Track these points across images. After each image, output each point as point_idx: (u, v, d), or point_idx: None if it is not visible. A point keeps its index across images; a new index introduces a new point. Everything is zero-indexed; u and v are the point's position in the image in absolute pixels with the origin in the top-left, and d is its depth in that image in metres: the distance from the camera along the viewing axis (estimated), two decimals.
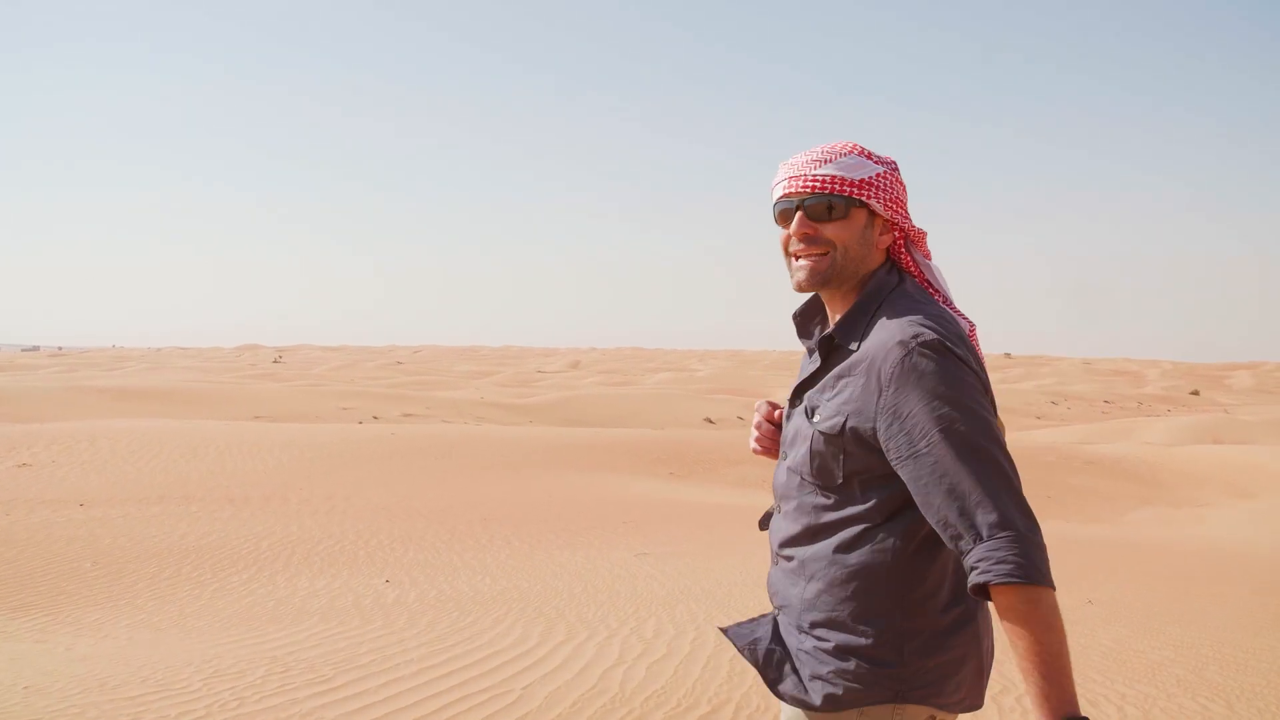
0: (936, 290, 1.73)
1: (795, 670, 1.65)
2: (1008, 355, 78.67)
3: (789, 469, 1.72)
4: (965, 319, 1.70)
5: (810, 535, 1.66)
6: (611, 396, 31.44)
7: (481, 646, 4.64)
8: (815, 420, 1.65)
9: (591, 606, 5.54)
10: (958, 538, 1.46)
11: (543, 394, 33.42)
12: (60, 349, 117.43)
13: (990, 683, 1.64)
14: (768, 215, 1.78)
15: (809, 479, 1.66)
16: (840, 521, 1.62)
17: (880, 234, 1.71)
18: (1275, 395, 48.81)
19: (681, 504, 10.50)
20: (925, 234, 1.76)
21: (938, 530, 1.50)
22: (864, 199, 1.67)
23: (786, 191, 1.71)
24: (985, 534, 1.44)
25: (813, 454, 1.64)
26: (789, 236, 1.71)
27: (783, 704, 1.69)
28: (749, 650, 1.71)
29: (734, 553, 7.44)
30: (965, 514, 1.45)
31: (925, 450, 1.49)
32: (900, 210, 1.71)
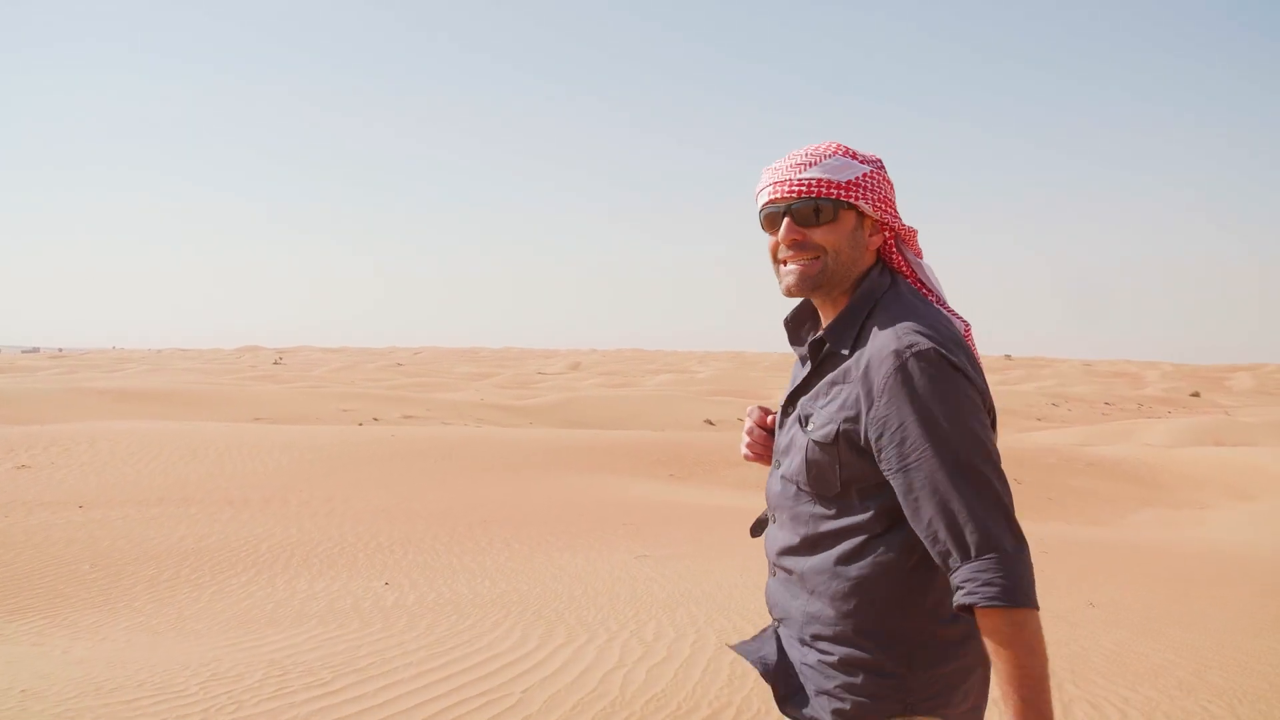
0: (929, 290, 1.70)
1: (801, 687, 1.61)
2: (1008, 357, 78.66)
3: (783, 478, 1.69)
4: (960, 319, 1.67)
5: (809, 546, 1.62)
6: (612, 398, 31.41)
7: (481, 650, 4.62)
8: (809, 429, 1.62)
9: (591, 609, 5.52)
10: (945, 555, 1.46)
11: (543, 395, 33.39)
12: (61, 350, 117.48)
13: (990, 686, 1.62)
14: None
15: (805, 489, 1.63)
16: (840, 532, 1.59)
17: (870, 234, 1.67)
18: (1276, 397, 48.77)
19: (682, 506, 10.47)
20: (916, 231, 1.73)
21: (926, 544, 1.49)
22: (852, 201, 1.63)
23: (772, 197, 1.67)
24: (972, 553, 1.43)
25: (808, 463, 1.61)
26: (777, 243, 1.68)
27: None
28: (760, 664, 1.68)
29: (734, 555, 7.42)
30: (953, 532, 1.44)
31: (915, 464, 1.47)
32: (890, 209, 1.67)
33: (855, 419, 1.54)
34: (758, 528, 1.84)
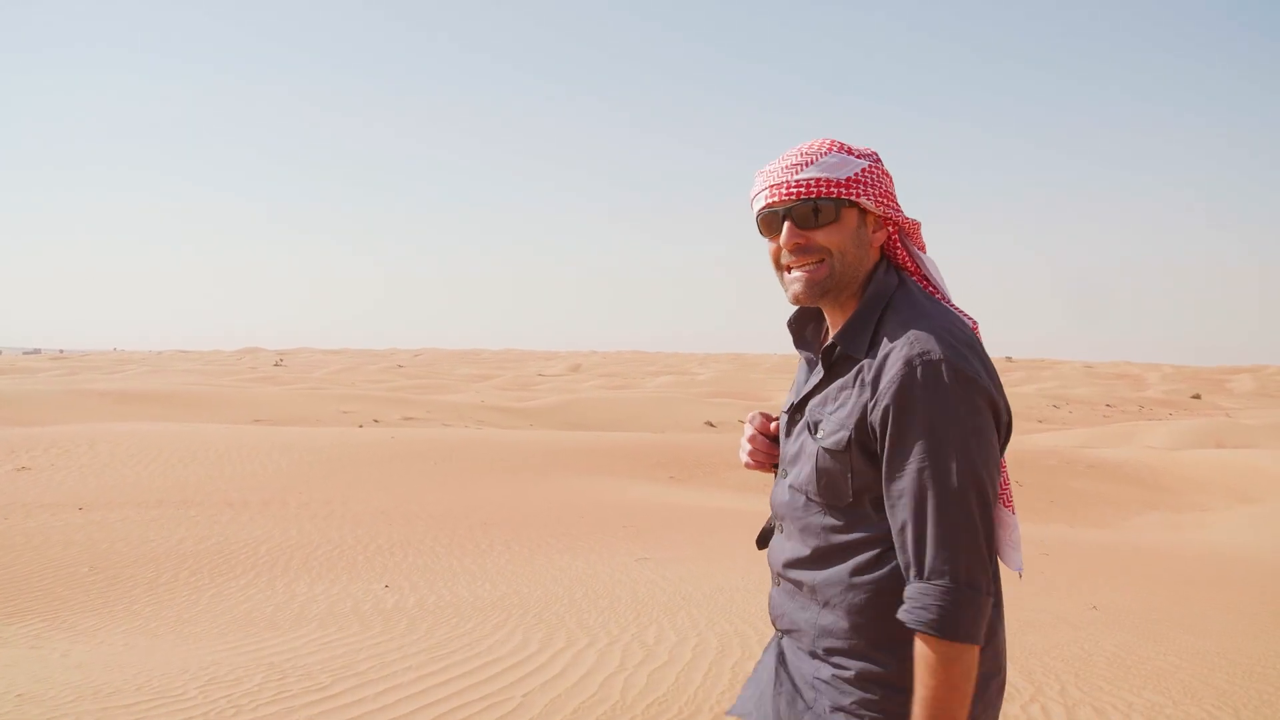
0: (935, 288, 1.65)
1: (809, 706, 1.56)
2: (1009, 359, 78.69)
3: (791, 487, 1.64)
4: (967, 317, 1.62)
5: (821, 559, 1.57)
6: (612, 400, 31.38)
7: (481, 653, 4.60)
8: (819, 436, 1.57)
9: (592, 612, 5.50)
10: (906, 566, 1.45)
11: (543, 397, 33.38)
12: (62, 352, 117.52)
13: (1003, 695, 1.60)
14: None
15: (815, 498, 1.58)
16: (854, 544, 1.54)
17: (874, 231, 1.62)
18: (1277, 399, 48.76)
19: (682, 508, 10.45)
20: (919, 224, 1.68)
21: (895, 549, 1.48)
22: (853, 198, 1.58)
23: (769, 201, 1.61)
24: (925, 574, 1.42)
25: (819, 472, 1.56)
26: (779, 249, 1.62)
27: None
28: (772, 698, 1.64)
29: (736, 558, 7.40)
30: (917, 547, 1.43)
31: (901, 475, 1.45)
32: (891, 203, 1.62)
33: (863, 424, 1.50)
34: (764, 539, 1.78)
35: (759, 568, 6.89)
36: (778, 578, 1.67)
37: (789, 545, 1.64)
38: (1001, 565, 1.67)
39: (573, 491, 11.15)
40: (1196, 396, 46.73)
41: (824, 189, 1.57)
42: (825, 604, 1.56)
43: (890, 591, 1.50)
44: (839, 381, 1.58)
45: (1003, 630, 1.58)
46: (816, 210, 1.58)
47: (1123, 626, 5.79)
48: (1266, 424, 27.97)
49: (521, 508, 9.76)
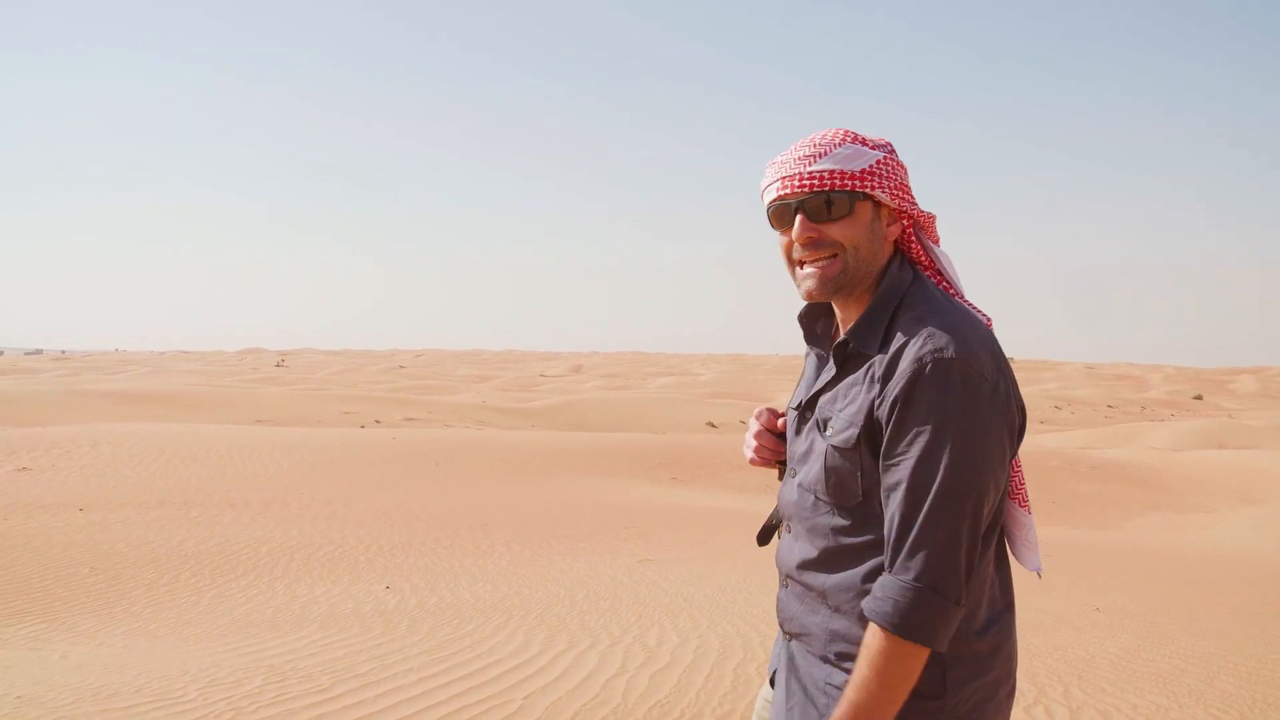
0: (950, 284, 1.61)
1: (822, 714, 1.52)
2: (1010, 360, 78.55)
3: (800, 486, 1.61)
4: (981, 314, 1.59)
5: (830, 561, 1.54)
6: (613, 401, 31.36)
7: (482, 655, 4.59)
8: (828, 434, 1.54)
9: (594, 614, 5.48)
10: (888, 559, 1.44)
11: (544, 398, 33.36)
12: (64, 352, 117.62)
13: (1014, 699, 1.58)
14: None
15: (824, 498, 1.55)
16: (864, 546, 1.51)
17: (888, 225, 1.58)
18: (1279, 400, 48.70)
19: (683, 509, 10.43)
20: (934, 217, 1.64)
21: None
22: (868, 191, 1.54)
23: (780, 193, 1.57)
24: (895, 568, 1.41)
25: (828, 470, 1.53)
26: (790, 243, 1.58)
27: None
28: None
29: (738, 559, 7.38)
30: (898, 540, 1.42)
31: (895, 469, 1.44)
32: (906, 196, 1.58)
33: (871, 420, 1.48)
34: (765, 535, 1.76)
35: (761, 569, 6.87)
36: (786, 579, 1.64)
37: (798, 546, 1.61)
38: (1018, 566, 1.64)
39: (574, 492, 11.14)
40: (1198, 397, 46.70)
41: (838, 181, 1.53)
42: (836, 608, 1.53)
43: None
44: (850, 378, 1.55)
45: (1014, 634, 1.56)
46: (830, 203, 1.54)
47: (1126, 628, 5.77)
48: (1269, 425, 27.93)
49: (523, 509, 9.75)
